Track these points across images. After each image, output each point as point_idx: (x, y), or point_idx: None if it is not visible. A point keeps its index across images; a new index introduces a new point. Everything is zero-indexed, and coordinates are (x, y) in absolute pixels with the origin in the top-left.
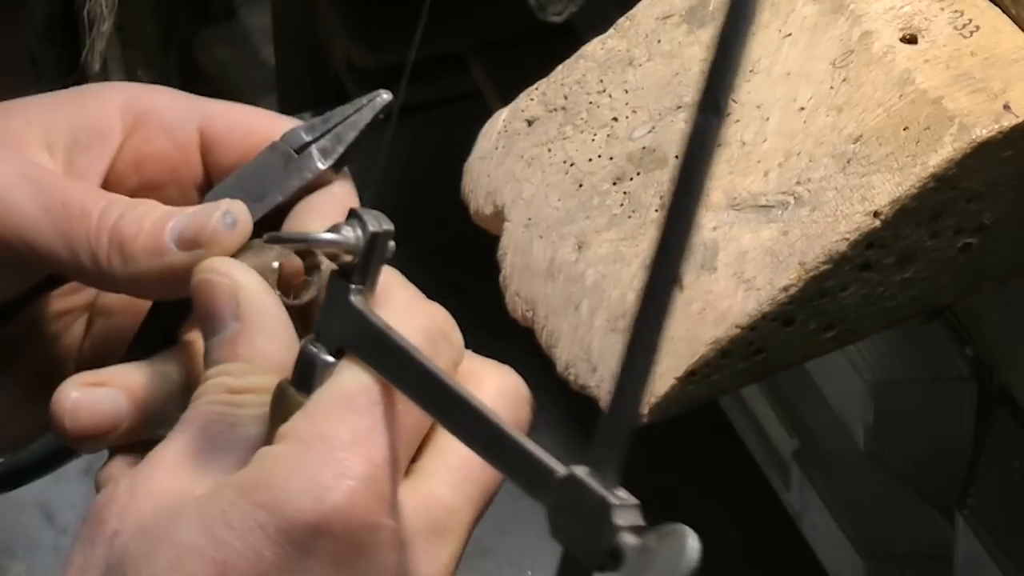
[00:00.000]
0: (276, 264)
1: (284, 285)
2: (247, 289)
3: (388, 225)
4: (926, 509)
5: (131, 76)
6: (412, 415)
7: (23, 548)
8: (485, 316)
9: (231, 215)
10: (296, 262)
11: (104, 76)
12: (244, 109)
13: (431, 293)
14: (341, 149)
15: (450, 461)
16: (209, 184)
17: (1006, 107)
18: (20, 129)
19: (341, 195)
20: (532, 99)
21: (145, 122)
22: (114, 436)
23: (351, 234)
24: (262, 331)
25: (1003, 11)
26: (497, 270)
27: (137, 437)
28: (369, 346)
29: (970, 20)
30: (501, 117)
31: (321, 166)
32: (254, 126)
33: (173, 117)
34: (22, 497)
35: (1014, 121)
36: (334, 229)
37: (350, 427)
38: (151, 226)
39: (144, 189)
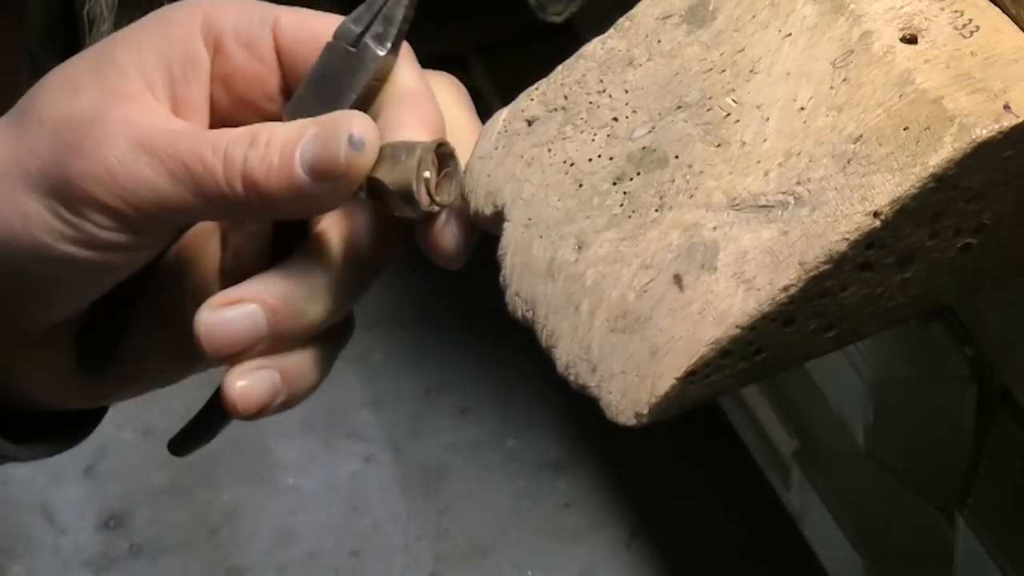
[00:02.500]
0: (427, 174)
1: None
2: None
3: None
4: (926, 509)
5: None
6: None
7: (23, 548)
8: (485, 316)
9: (358, 137)
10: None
11: None
12: (304, 12)
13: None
14: (394, 30)
15: None
16: (287, 87)
17: (1006, 107)
18: (118, 81)
19: (412, 86)
20: (532, 99)
21: (223, 41)
22: (259, 348)
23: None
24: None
25: (1003, 11)
26: (497, 270)
27: (292, 340)
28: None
29: (970, 20)
30: (501, 117)
31: (381, 53)
32: (316, 26)
33: (248, 30)
34: (22, 497)
35: (1014, 121)
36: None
37: None
38: (280, 161)
39: (237, 105)
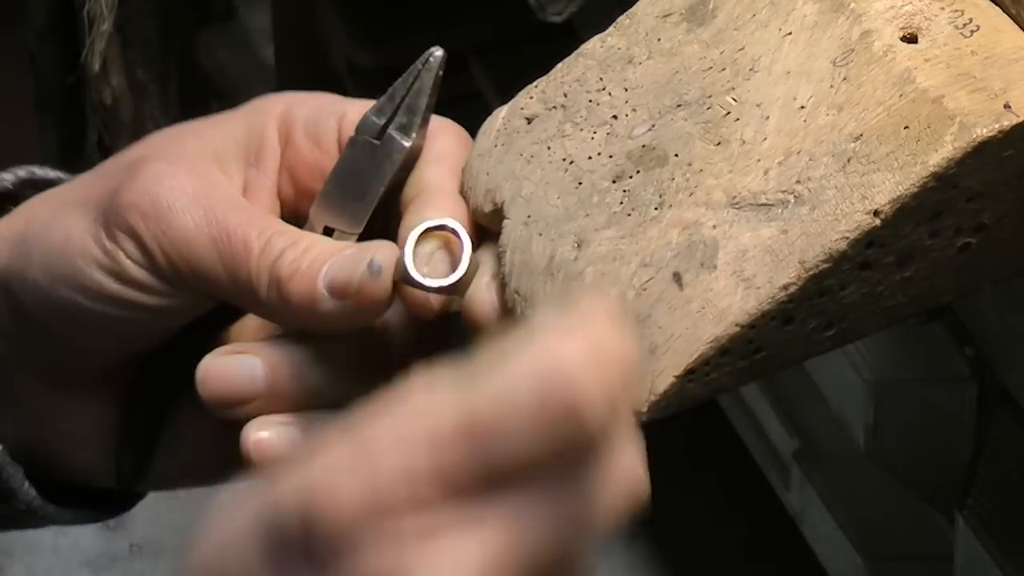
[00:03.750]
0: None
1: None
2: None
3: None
4: (926, 509)
5: (131, 76)
6: None
7: (23, 548)
8: None
9: (376, 264)
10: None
11: (104, 76)
12: (366, 104)
13: None
14: (417, 120)
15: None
16: None
17: (1006, 106)
18: (195, 151)
19: (433, 182)
20: (531, 97)
21: (293, 131)
22: (255, 404)
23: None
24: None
25: (1003, 11)
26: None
27: (294, 402)
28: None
29: (970, 19)
30: (500, 115)
31: (407, 144)
32: None
33: (316, 122)
34: None
35: (1014, 120)
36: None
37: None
38: (307, 269)
39: (300, 196)
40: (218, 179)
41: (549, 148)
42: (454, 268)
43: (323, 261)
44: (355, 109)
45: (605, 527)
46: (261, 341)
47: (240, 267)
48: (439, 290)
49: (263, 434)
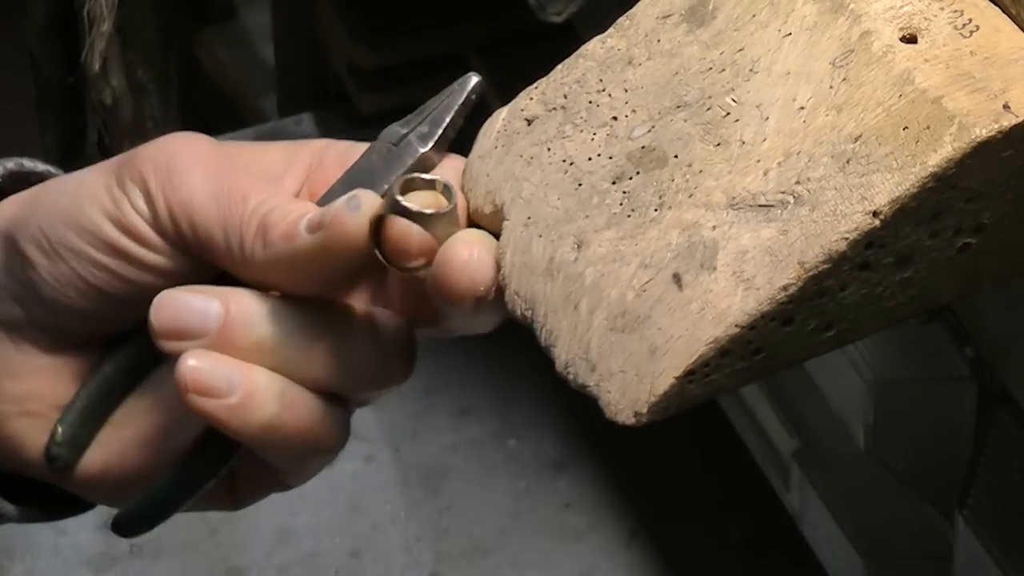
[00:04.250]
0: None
1: None
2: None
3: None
4: (926, 509)
5: (131, 76)
6: None
7: (23, 548)
8: None
9: (356, 199)
10: None
11: (104, 76)
12: None
13: None
14: (439, 131)
15: None
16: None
17: (1006, 107)
18: (232, 155)
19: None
20: (531, 98)
21: (326, 159)
22: (201, 342)
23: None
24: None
25: (1003, 11)
26: (496, 269)
27: (241, 351)
28: None
29: (970, 20)
30: (500, 116)
31: (422, 149)
32: None
33: (347, 149)
34: None
35: (1014, 121)
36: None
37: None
38: (294, 217)
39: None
40: (236, 153)
41: (549, 149)
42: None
43: (309, 210)
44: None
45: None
46: (227, 288)
47: (233, 219)
48: (423, 219)
49: (195, 363)
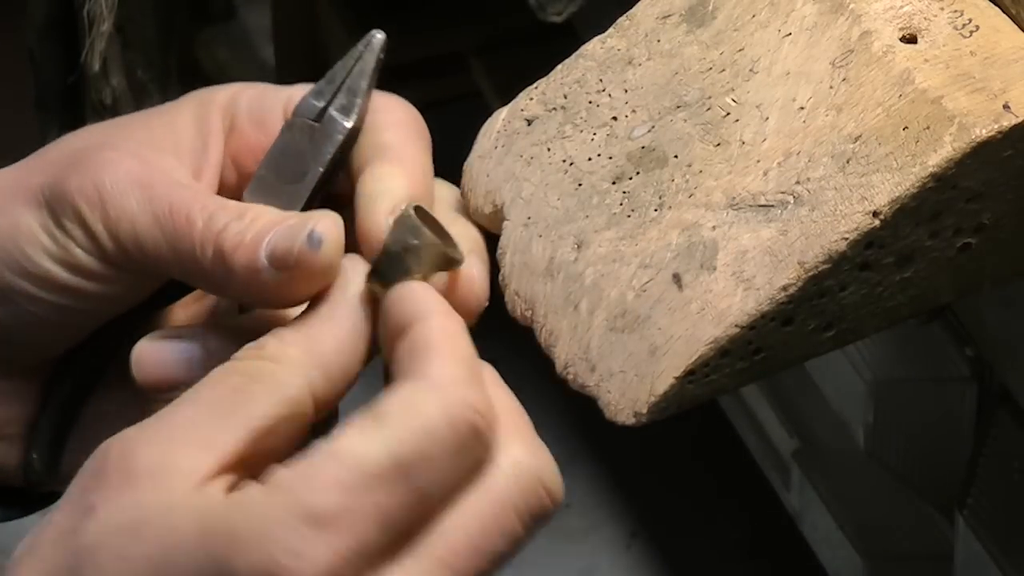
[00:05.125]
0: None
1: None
2: (350, 283)
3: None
4: (926, 509)
5: (131, 76)
6: (405, 496)
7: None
8: (484, 315)
9: (316, 235)
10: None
11: (104, 76)
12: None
13: None
14: (359, 101)
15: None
16: None
17: (1006, 107)
18: (143, 140)
19: (388, 139)
20: (532, 98)
21: (238, 118)
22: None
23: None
24: (339, 329)
25: (1003, 11)
26: (496, 269)
27: None
28: None
29: (970, 20)
30: (500, 116)
31: (348, 125)
32: None
33: (260, 108)
34: None
35: (1014, 121)
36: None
37: (334, 501)
38: (250, 240)
39: (244, 180)
40: (162, 162)
41: (549, 149)
42: None
43: (267, 232)
44: (299, 94)
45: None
46: (198, 325)
47: (183, 241)
48: (425, 235)
49: (144, 344)
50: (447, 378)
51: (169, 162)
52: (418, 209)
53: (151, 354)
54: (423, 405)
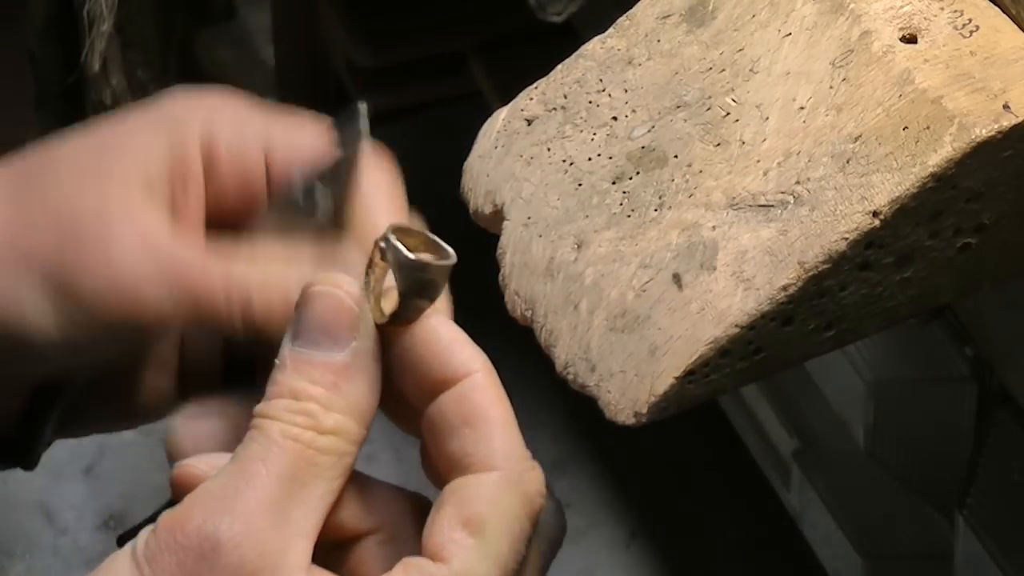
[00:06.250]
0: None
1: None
2: (369, 327)
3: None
4: (926, 509)
5: (131, 76)
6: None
7: (23, 548)
8: (484, 315)
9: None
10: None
11: (104, 76)
12: (296, 127)
13: None
14: (345, 183)
15: None
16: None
17: (1006, 107)
18: (122, 178)
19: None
20: (532, 98)
21: (217, 155)
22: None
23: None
24: (369, 380)
25: (1003, 11)
26: (496, 269)
27: None
28: None
29: (970, 20)
30: (501, 116)
31: (332, 209)
32: (306, 146)
33: (240, 149)
34: (22, 497)
35: (1014, 121)
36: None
37: None
38: (281, 309)
39: (225, 217)
40: (155, 214)
41: (549, 149)
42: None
43: (291, 291)
44: (280, 136)
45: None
46: (217, 399)
47: (206, 314)
48: (432, 266)
49: (179, 424)
50: (516, 464)
51: (155, 213)
52: (398, 231)
53: (187, 435)
54: (512, 507)
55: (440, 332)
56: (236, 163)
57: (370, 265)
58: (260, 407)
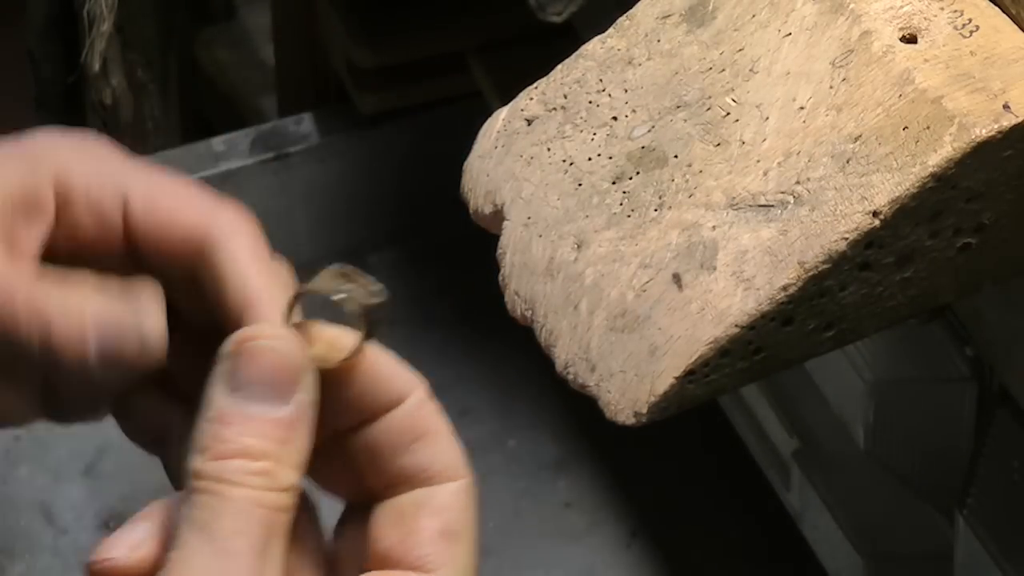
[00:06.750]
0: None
1: None
2: (310, 378)
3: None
4: (926, 509)
5: (131, 76)
6: None
7: (23, 548)
8: (484, 315)
9: (145, 339)
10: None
11: (104, 76)
12: (156, 185)
13: (430, 292)
14: None
15: None
16: (131, 256)
17: (1006, 107)
18: None
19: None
20: (532, 98)
21: (73, 200)
22: None
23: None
24: (311, 428)
25: (1003, 11)
26: (496, 269)
27: None
28: None
29: (970, 20)
30: (501, 116)
31: None
32: (166, 210)
33: (99, 201)
34: (22, 497)
35: (1014, 121)
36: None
37: None
38: (77, 335)
39: (75, 258)
40: None
41: (549, 149)
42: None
43: (85, 319)
44: (137, 187)
45: None
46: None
47: (7, 326)
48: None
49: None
50: (467, 472)
51: None
52: (335, 274)
53: (113, 556)
54: (473, 513)
55: (379, 358)
56: (91, 204)
57: (291, 311)
58: (211, 468)
